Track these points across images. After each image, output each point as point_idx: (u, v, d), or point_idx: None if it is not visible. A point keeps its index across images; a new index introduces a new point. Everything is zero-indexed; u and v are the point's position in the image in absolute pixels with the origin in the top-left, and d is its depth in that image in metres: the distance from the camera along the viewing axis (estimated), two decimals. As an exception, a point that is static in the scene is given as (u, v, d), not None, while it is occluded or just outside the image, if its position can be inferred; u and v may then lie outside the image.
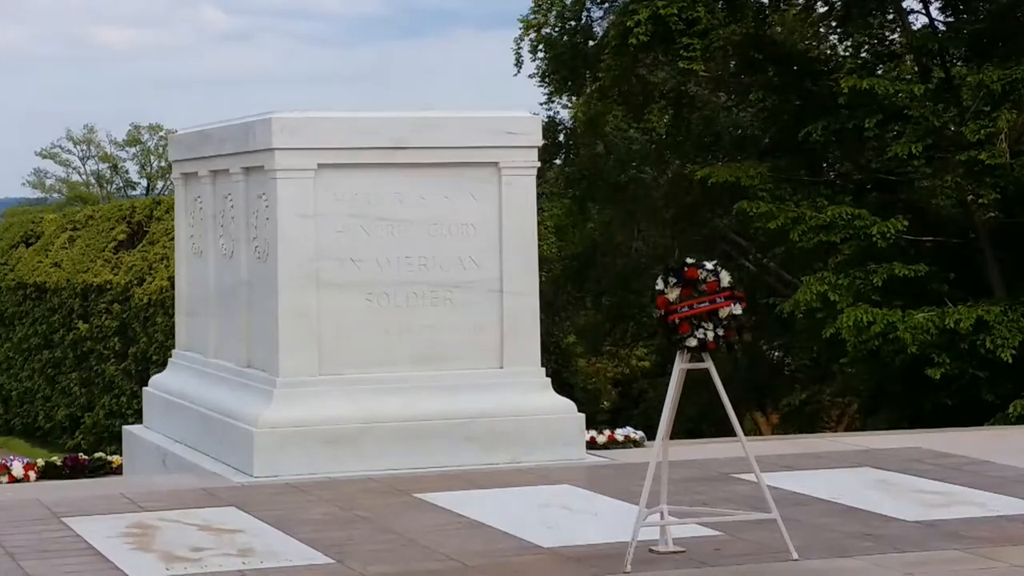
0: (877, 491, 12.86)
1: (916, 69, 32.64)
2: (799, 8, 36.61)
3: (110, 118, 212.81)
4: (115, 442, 19.12)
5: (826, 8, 36.17)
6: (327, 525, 11.66)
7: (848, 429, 34.91)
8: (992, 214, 31.37)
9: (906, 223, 30.27)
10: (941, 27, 33.77)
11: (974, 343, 28.22)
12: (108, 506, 12.59)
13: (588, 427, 15.27)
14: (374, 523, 11.74)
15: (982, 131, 29.05)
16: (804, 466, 14.06)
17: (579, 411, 15.11)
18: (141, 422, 17.70)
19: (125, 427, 18.31)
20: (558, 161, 42.33)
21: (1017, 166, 29.71)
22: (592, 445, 15.31)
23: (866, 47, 35.22)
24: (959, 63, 32.19)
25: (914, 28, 33.97)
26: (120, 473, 15.41)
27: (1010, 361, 28.06)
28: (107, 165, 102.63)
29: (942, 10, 34.17)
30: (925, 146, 29.99)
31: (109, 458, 15.51)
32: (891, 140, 30.29)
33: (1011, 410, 27.24)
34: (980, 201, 30.46)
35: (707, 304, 10.22)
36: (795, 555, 10.25)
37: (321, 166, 14.39)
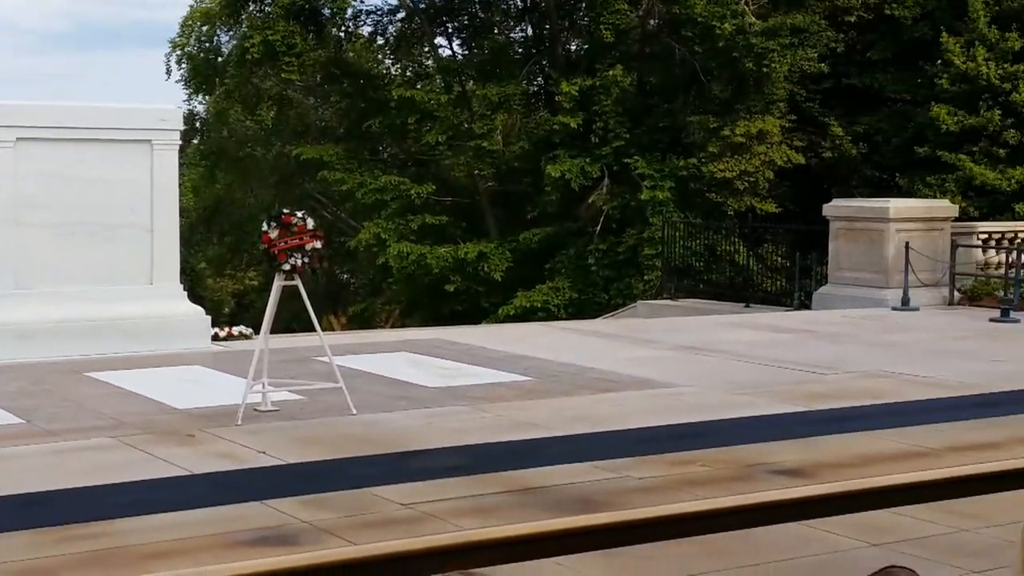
0: (411, 367, 13.01)
1: (443, 84, 33.00)
2: (365, 40, 36.58)
3: None
4: None
5: (383, 41, 36.25)
6: (20, 396, 11.09)
7: (393, 327, 35.25)
8: (490, 183, 32.10)
9: (434, 188, 30.76)
10: (459, 56, 34.24)
11: (477, 268, 28.89)
12: None
13: (213, 326, 14.96)
14: (56, 394, 11.23)
15: (485, 128, 29.66)
16: (362, 352, 14.11)
17: (207, 315, 14.82)
18: None
19: None
20: (195, 141, 41.32)
21: (507, 152, 30.47)
22: (216, 338, 14.98)
23: (410, 68, 35.49)
24: (471, 82, 32.72)
25: (442, 56, 34.36)
26: None
27: (500, 279, 28.84)
28: None
29: (460, 45, 34.67)
30: (447, 137, 30.44)
31: None
32: (425, 132, 30.60)
33: (500, 312, 28.00)
34: (482, 174, 31.13)
35: (297, 240, 10.14)
36: (354, 411, 10.30)
37: (19, 139, 13.60)
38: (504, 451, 9.03)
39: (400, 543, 3.94)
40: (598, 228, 28.72)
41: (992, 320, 17.49)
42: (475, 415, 10.38)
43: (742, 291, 23.26)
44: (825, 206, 20.88)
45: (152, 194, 14.26)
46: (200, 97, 41.72)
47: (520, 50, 33.53)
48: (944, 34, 25.67)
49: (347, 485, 7.93)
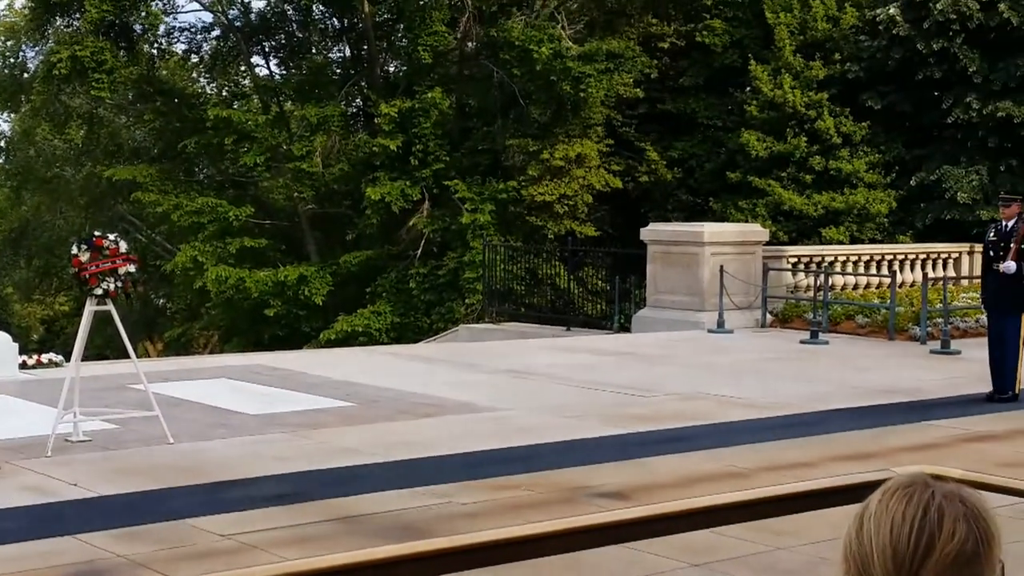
0: (230, 394, 12.80)
1: (260, 104, 32.65)
2: (179, 57, 35.97)
3: None
4: None
5: (198, 59, 35.71)
6: None
7: (211, 353, 34.60)
8: (310, 206, 31.86)
9: (252, 210, 30.43)
10: (277, 76, 33.96)
11: (297, 292, 28.62)
12: None
13: (21, 353, 14.45)
14: None
15: (304, 149, 29.45)
16: (180, 378, 13.82)
17: (13, 342, 14.29)
18: None
19: None
20: (0, 160, 39.98)
21: (327, 174, 30.32)
22: (24, 366, 14.49)
23: (226, 88, 35.05)
24: (289, 102, 32.46)
25: (259, 76, 34.01)
26: None
27: (321, 304, 28.64)
28: None
29: (277, 65, 34.40)
30: (266, 158, 30.13)
31: None
32: (243, 153, 30.23)
33: (321, 337, 27.78)
34: (302, 196, 30.90)
35: (110, 264, 9.90)
36: (171, 440, 10.07)
37: None
38: (326, 479, 8.94)
39: (222, 578, 3.86)
40: (419, 251, 28.75)
41: (802, 342, 18.07)
42: (296, 442, 10.26)
43: (563, 314, 23.55)
44: (642, 230, 21.29)
45: (-46, 216, 13.74)
46: (4, 115, 40.41)
47: (339, 71, 33.41)
48: (752, 62, 26.52)
49: (164, 517, 7.75)
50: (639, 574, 6.69)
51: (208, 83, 36.70)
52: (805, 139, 25.73)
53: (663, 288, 20.49)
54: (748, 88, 27.27)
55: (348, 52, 34.15)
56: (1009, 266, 12.70)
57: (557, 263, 25.88)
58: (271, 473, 9.08)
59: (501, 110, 29.30)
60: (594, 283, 25.55)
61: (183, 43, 35.04)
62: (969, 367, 14.86)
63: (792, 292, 21.18)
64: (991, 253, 13.05)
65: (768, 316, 20.28)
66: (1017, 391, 12.83)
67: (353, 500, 8.24)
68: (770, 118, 26.21)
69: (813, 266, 21.51)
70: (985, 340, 13.51)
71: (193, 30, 34.56)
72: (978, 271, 16.98)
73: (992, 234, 13.17)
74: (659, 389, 13.39)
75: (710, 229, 20.76)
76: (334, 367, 14.99)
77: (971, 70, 24.12)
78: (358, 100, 33.27)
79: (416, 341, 24.42)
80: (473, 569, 4.44)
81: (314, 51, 33.80)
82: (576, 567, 6.40)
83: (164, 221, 32.35)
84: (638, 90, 28.22)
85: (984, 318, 15.02)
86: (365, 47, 32.55)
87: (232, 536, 7.32)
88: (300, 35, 33.59)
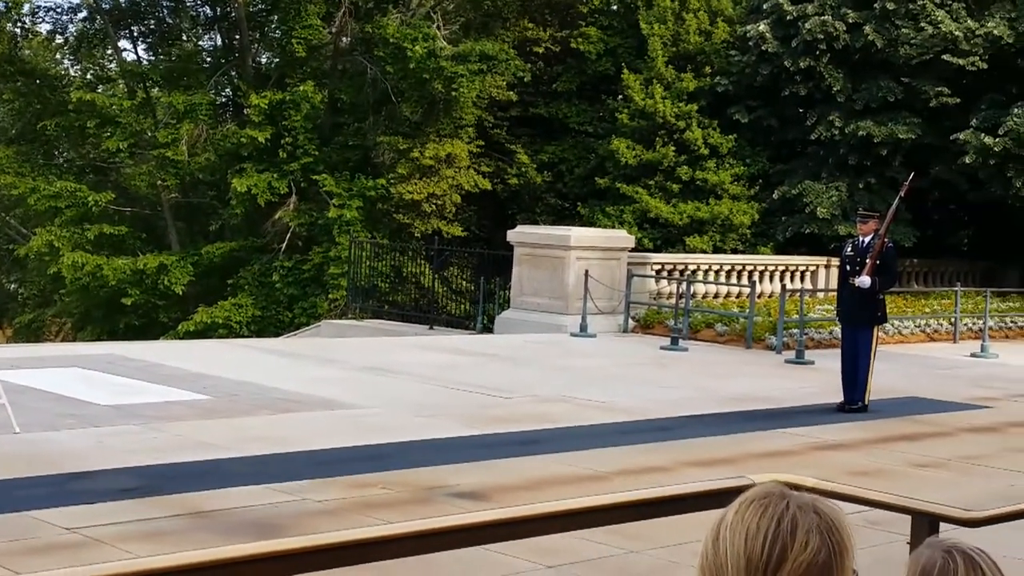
0: (81, 384, 12.44)
1: (126, 89, 31.93)
2: (43, 38, 35.02)
3: None
4: None
5: (63, 40, 34.85)
6: None
7: (64, 341, 33.70)
8: (173, 195, 31.29)
9: (113, 196, 29.80)
10: (145, 61, 33.26)
11: (156, 281, 28.08)
12: None
13: None
14: None
15: (169, 137, 28.91)
16: (29, 366, 13.39)
17: None
18: None
19: None
20: None
21: (192, 163, 29.78)
22: None
23: (91, 71, 34.28)
24: (156, 88, 31.84)
25: (125, 60, 33.29)
26: None
27: (181, 293, 28.14)
28: None
29: (146, 50, 33.70)
30: (129, 144, 29.53)
31: None
32: (105, 138, 29.55)
33: (180, 328, 27.29)
34: (165, 185, 30.31)
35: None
36: (17, 429, 9.75)
37: None
38: (178, 473, 8.74)
39: (61, 572, 3.72)
40: (284, 245, 28.40)
41: (663, 348, 18.29)
42: (149, 435, 10.01)
43: (427, 313, 23.48)
44: (510, 232, 21.34)
45: None
46: None
47: (209, 59, 32.86)
48: (625, 71, 26.78)
49: (7, 508, 7.49)
50: (494, 575, 6.67)
51: (72, 65, 35.83)
52: (673, 149, 26.05)
53: (528, 290, 20.56)
54: (620, 96, 27.52)
55: (220, 41, 33.61)
56: (864, 281, 13.01)
57: (422, 262, 25.80)
58: (121, 466, 8.85)
59: (373, 107, 29.10)
60: (459, 283, 25.54)
61: (48, 23, 34.30)
62: (822, 377, 15.20)
63: (655, 299, 21.42)
64: (847, 268, 13.35)
65: (630, 322, 20.48)
66: (867, 402, 13.15)
67: (205, 495, 8.07)
68: (640, 127, 26.49)
69: (676, 274, 21.79)
70: (838, 351, 13.82)
71: (59, 10, 33.81)
72: (834, 284, 17.40)
73: (849, 249, 13.48)
74: (519, 391, 13.41)
75: (577, 234, 20.88)
76: (192, 359, 14.69)
77: (835, 89, 24.69)
78: (228, 90, 32.75)
79: (277, 335, 24.14)
80: (325, 570, 4.35)
81: (184, 38, 33.21)
82: (430, 568, 6.34)
83: (20, 204, 31.51)
84: (511, 93, 28.30)
85: (838, 330, 15.37)
86: (237, 37, 32.06)
87: (77, 530, 7.10)
88: (170, 21, 32.96)
